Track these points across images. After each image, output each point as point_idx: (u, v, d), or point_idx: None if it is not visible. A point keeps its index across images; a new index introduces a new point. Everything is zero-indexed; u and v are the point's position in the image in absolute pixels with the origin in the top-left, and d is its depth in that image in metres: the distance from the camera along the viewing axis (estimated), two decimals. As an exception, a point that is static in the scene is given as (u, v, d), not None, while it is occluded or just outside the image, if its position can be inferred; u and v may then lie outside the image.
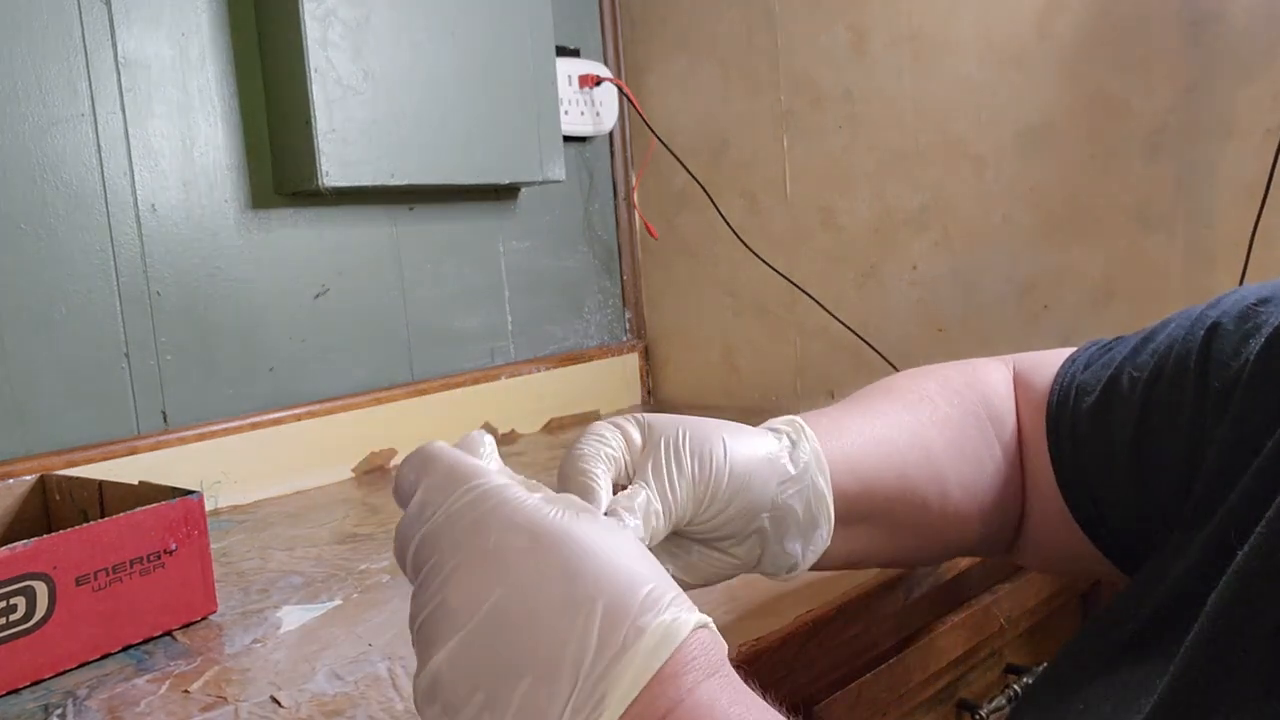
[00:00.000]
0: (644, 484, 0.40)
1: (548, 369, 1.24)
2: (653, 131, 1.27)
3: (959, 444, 0.52)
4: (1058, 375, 0.53)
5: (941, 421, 0.52)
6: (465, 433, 0.38)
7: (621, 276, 1.36)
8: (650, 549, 0.37)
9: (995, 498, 0.53)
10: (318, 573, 0.73)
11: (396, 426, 1.08)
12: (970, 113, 1.05)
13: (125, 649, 0.61)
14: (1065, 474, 0.51)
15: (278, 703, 0.52)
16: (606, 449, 0.41)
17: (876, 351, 1.13)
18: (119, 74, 0.90)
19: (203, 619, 0.65)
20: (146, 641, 0.62)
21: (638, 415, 0.44)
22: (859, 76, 1.12)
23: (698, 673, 0.30)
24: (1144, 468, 0.47)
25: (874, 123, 1.12)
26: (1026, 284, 1.04)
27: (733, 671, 0.32)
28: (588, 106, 1.26)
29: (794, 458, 0.44)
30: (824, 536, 0.45)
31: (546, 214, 1.26)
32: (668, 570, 0.34)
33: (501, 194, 1.21)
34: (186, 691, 0.55)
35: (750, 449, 0.43)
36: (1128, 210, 0.97)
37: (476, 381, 1.16)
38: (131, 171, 0.91)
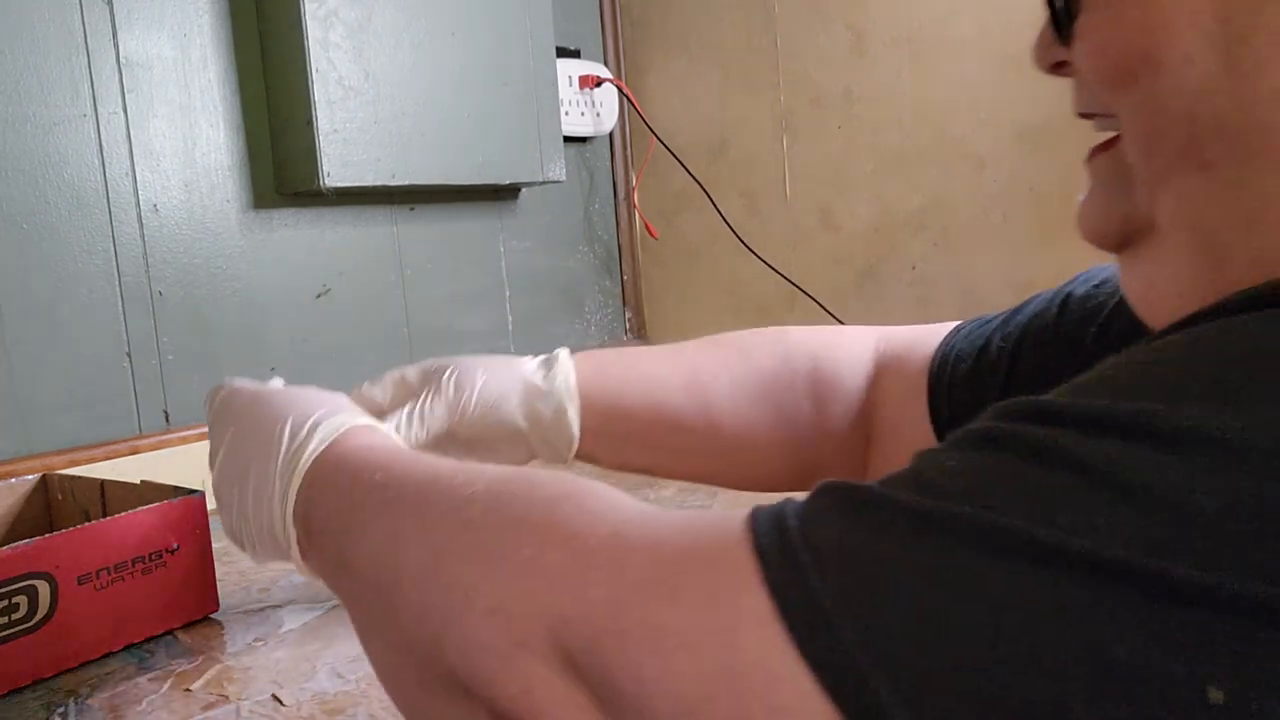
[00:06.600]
0: (409, 406, 0.55)
1: (548, 369, 1.24)
2: (653, 132, 1.27)
3: (754, 388, 0.59)
4: (941, 344, 0.56)
5: (735, 367, 0.60)
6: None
7: (621, 276, 1.36)
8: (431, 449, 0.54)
9: (802, 438, 0.59)
10: (319, 572, 0.73)
11: (397, 426, 1.08)
12: (969, 113, 1.05)
13: (127, 648, 0.61)
14: (943, 436, 0.54)
15: (279, 701, 0.52)
16: (378, 388, 0.60)
17: (876, 351, 1.13)
18: (121, 74, 0.90)
19: (204, 618, 0.65)
20: (148, 640, 0.62)
21: (434, 361, 0.60)
22: (858, 77, 1.12)
23: (359, 439, 0.44)
24: None
25: (873, 123, 1.12)
26: (1026, 284, 1.04)
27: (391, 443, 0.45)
28: (588, 107, 1.26)
29: (547, 379, 0.56)
30: (571, 436, 0.57)
31: (547, 214, 1.26)
32: None
33: (502, 194, 1.21)
34: (188, 690, 0.55)
35: (506, 374, 0.57)
36: (1127, 211, 0.98)
37: (477, 381, 1.16)
38: (133, 171, 0.91)
